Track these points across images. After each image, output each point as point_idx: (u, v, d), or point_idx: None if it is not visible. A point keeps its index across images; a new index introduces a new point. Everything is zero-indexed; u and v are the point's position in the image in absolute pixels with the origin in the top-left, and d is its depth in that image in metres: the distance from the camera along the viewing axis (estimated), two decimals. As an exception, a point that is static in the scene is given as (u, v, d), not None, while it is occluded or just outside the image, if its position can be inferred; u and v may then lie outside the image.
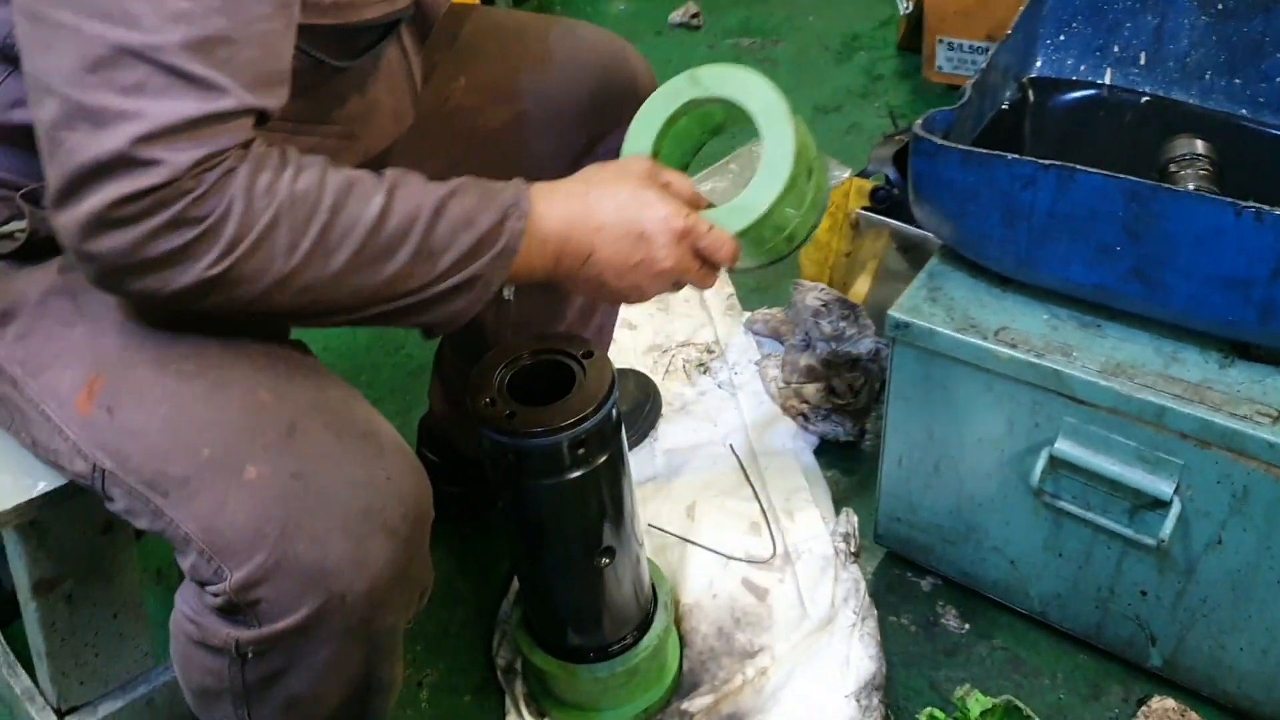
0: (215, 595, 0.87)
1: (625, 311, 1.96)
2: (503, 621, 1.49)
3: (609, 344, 1.60)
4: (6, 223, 0.95)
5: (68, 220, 0.78)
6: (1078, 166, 1.14)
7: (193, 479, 0.87)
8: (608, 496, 1.19)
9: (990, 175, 1.19)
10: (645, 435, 1.73)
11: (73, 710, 1.22)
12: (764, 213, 1.08)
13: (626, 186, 1.03)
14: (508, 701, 1.41)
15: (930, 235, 1.42)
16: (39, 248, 0.96)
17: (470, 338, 1.37)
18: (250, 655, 0.89)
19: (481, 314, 0.97)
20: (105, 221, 0.77)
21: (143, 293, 0.82)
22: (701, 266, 1.06)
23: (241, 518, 0.85)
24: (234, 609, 0.87)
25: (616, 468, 1.19)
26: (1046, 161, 1.16)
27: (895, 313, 1.28)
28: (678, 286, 1.08)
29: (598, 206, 1.00)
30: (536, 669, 1.32)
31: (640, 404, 1.74)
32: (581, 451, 1.13)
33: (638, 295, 1.05)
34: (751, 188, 1.09)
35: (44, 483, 1.04)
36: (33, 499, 1.03)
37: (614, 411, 1.17)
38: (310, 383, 0.95)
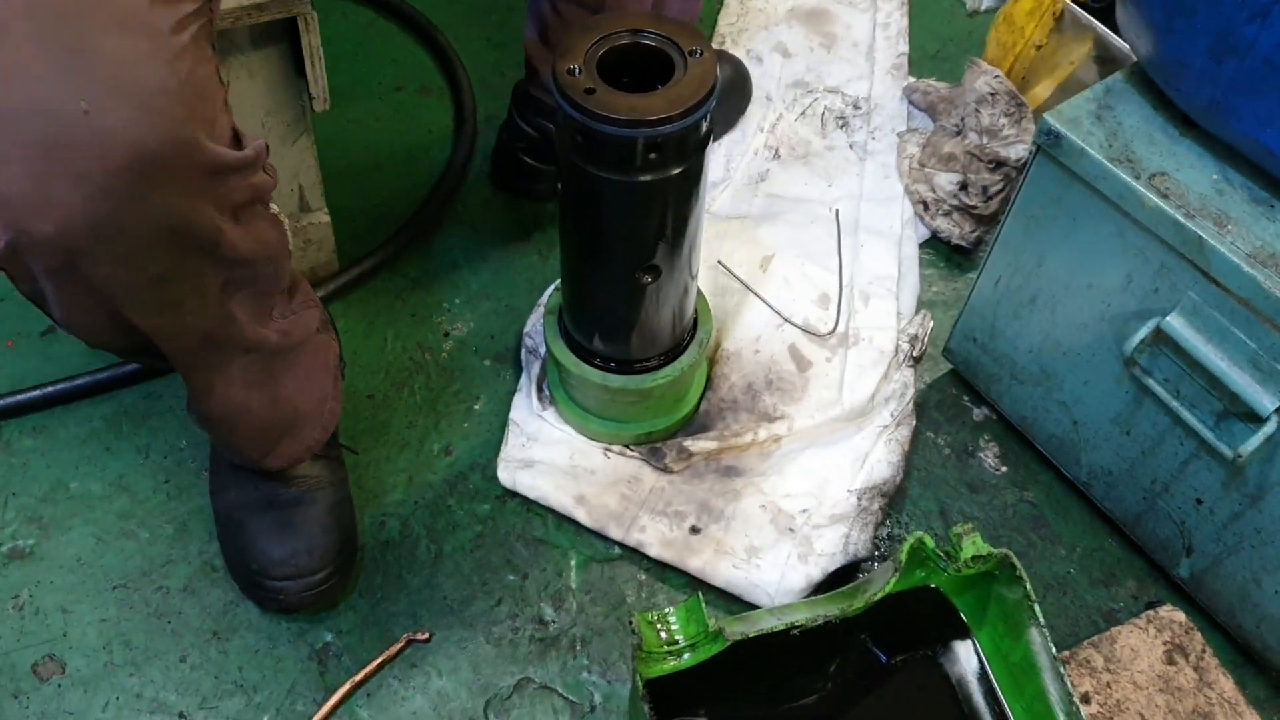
0: None
1: (785, 37, 1.80)
2: (542, 304, 1.44)
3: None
4: None
5: None
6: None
7: None
8: (671, 213, 1.10)
9: (1218, -8, 1.00)
10: (725, 130, 1.64)
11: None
12: None
13: None
14: (523, 379, 1.39)
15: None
16: None
17: None
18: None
19: None
20: None
21: None
22: None
23: None
24: None
25: (689, 185, 1.09)
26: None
27: (1051, 119, 1.12)
28: None
29: None
30: (555, 359, 1.28)
31: (725, 92, 1.62)
32: (654, 156, 1.03)
33: None
34: None
35: None
36: None
37: (704, 123, 1.06)
38: None
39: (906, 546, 1.11)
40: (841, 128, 1.68)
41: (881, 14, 1.85)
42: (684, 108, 1.00)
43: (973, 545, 1.12)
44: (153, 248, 0.82)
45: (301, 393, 1.14)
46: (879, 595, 1.09)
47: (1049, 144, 1.13)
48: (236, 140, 0.90)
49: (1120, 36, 1.35)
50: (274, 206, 1.00)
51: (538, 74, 1.47)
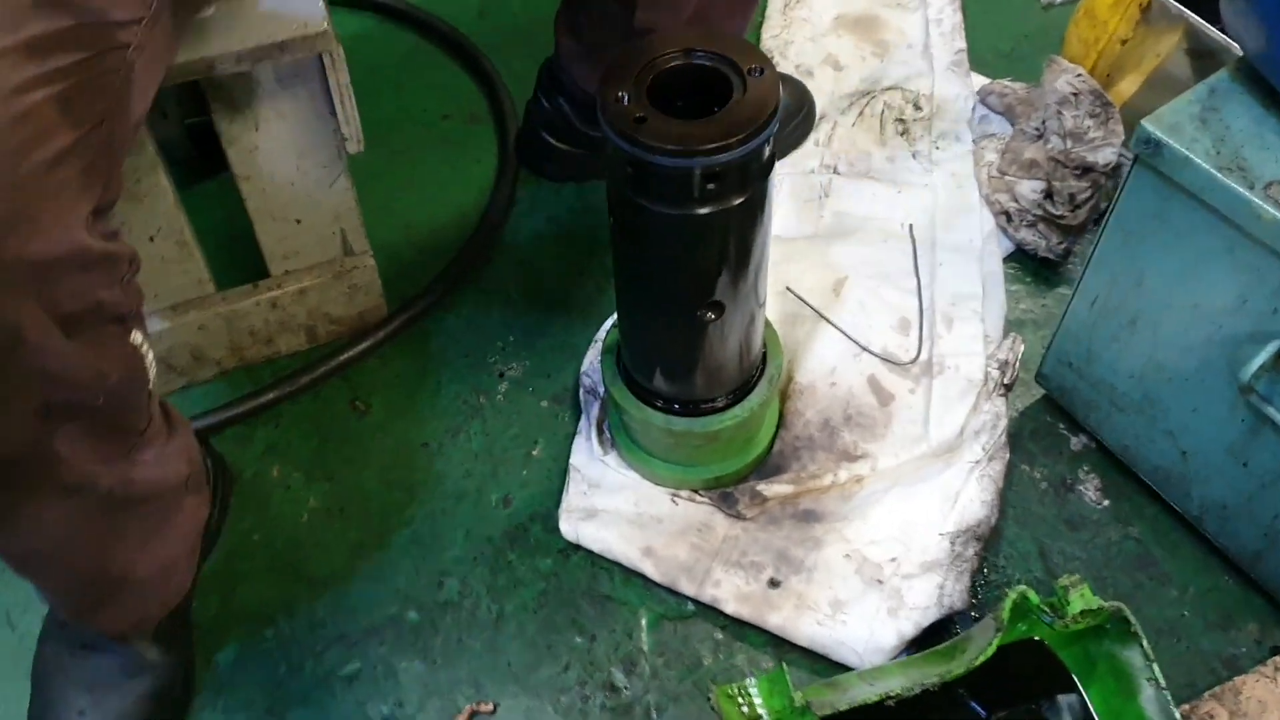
0: None
1: (834, 48, 1.70)
2: (599, 340, 1.37)
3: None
4: None
5: None
6: None
7: None
8: (733, 245, 1.01)
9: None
10: (787, 152, 1.55)
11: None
12: None
13: None
14: (582, 421, 1.31)
15: (1233, 44, 1.12)
16: None
17: None
18: None
19: None
20: None
21: None
22: None
23: None
24: None
25: (753, 214, 1.00)
26: None
27: (1149, 125, 1.02)
28: None
29: None
30: (615, 402, 1.20)
31: (790, 114, 1.54)
32: (714, 186, 0.95)
33: None
34: None
35: None
36: None
37: (767, 148, 0.97)
38: None
39: (1009, 602, 1.02)
40: (902, 134, 1.57)
41: (933, 10, 1.74)
42: (744, 133, 0.92)
43: (1081, 598, 1.03)
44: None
45: (141, 555, 0.98)
46: (981, 659, 0.99)
47: (1148, 153, 1.03)
48: (103, 237, 0.78)
49: (1222, 29, 1.24)
50: (137, 336, 0.85)
51: (559, 49, 1.44)
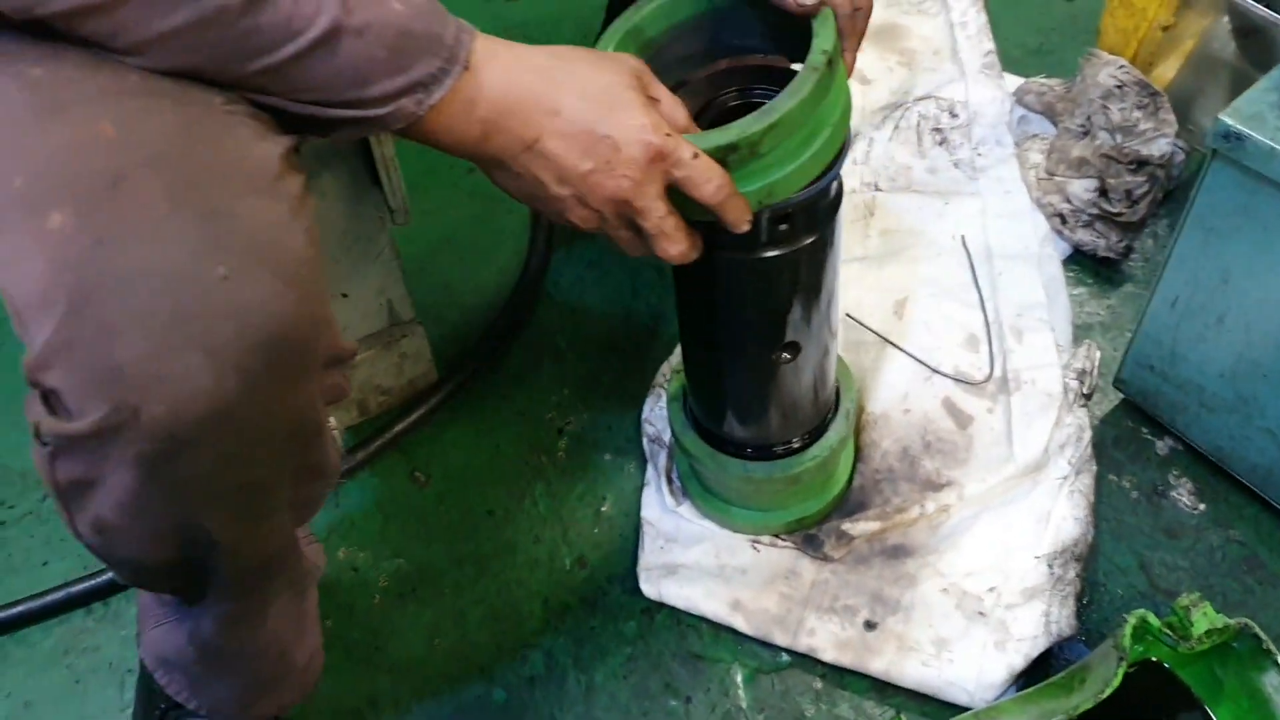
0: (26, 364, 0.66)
1: (859, 62, 1.64)
2: (658, 385, 1.32)
3: None
4: None
5: None
6: None
7: (2, 210, 0.65)
8: (805, 285, 0.97)
9: None
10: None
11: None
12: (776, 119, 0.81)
13: (605, 76, 0.79)
14: (649, 471, 1.27)
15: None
16: None
17: None
18: (51, 448, 0.68)
19: None
20: None
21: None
22: (667, 214, 0.81)
23: (34, 274, 0.63)
24: (36, 387, 0.67)
25: (823, 252, 0.96)
26: None
27: (1228, 119, 0.98)
28: (625, 236, 0.84)
29: (562, 86, 0.78)
30: (687, 450, 1.16)
31: None
32: (784, 228, 0.91)
33: (568, 212, 0.82)
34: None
35: None
36: None
37: (835, 184, 0.93)
38: (183, 122, 0.68)
39: (1129, 628, 0.97)
40: (940, 144, 1.53)
41: (955, 14, 1.70)
42: (815, 171, 0.88)
43: (1204, 618, 0.98)
44: (266, 446, 0.70)
45: (301, 641, 0.96)
46: (1108, 691, 0.95)
47: (1228, 147, 0.98)
48: None
49: (1269, 3, 1.20)
50: (333, 421, 0.88)
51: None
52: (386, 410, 1.33)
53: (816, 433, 1.13)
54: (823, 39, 0.84)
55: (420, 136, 0.76)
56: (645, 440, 1.29)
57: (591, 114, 0.77)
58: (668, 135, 0.79)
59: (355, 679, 1.15)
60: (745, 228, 0.84)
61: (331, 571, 1.23)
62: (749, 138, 0.81)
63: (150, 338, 0.62)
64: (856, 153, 1.53)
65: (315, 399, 0.73)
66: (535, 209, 0.86)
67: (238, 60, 0.68)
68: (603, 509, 1.26)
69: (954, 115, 1.56)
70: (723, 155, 0.81)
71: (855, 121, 1.56)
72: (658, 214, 0.81)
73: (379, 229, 1.15)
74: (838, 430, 1.14)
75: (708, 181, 0.80)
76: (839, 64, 0.87)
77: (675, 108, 0.84)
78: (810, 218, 0.92)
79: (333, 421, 0.87)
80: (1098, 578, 1.16)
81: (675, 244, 0.83)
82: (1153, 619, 0.98)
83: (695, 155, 0.80)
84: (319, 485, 0.82)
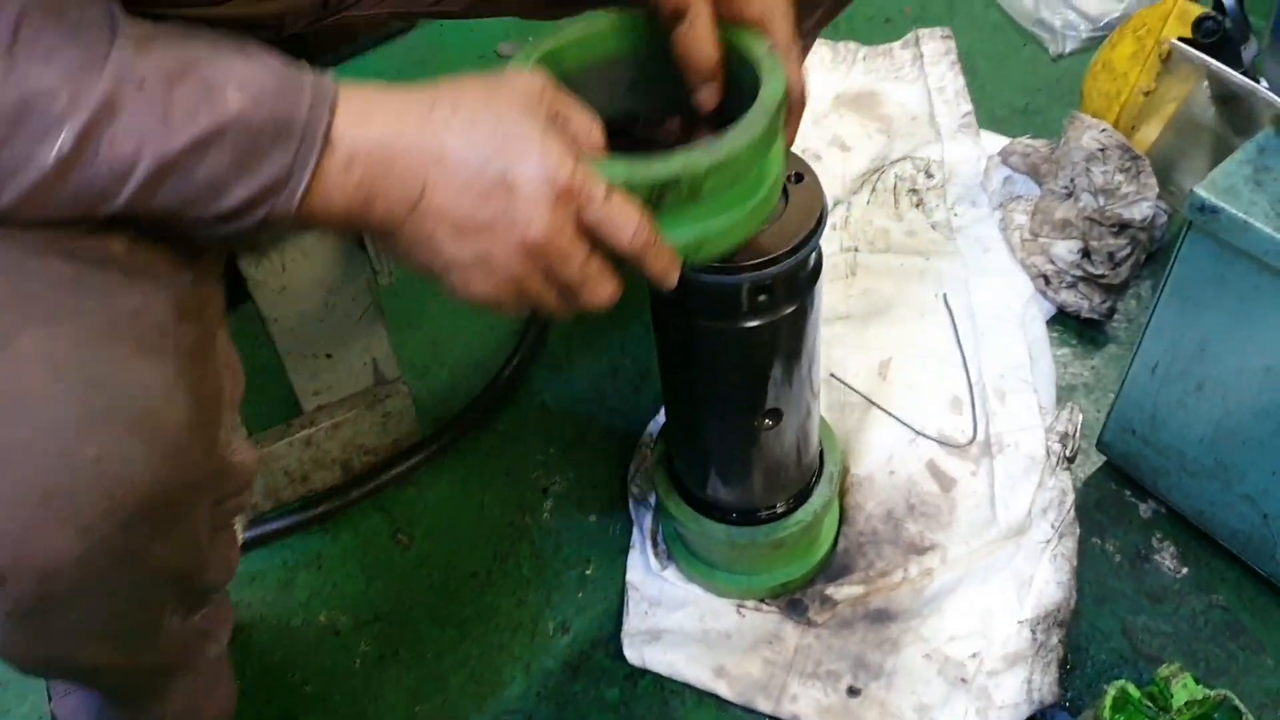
0: None
1: (839, 129, 1.67)
2: (645, 445, 1.33)
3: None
4: None
5: None
6: None
7: None
8: (785, 353, 0.98)
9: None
10: None
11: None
12: (717, 159, 0.72)
13: (495, 109, 0.68)
14: (635, 533, 1.26)
15: (1266, 94, 1.09)
16: None
17: None
18: None
19: None
20: None
21: None
22: (588, 258, 0.71)
23: None
24: None
25: (803, 321, 0.97)
26: None
27: (1203, 191, 0.99)
28: (549, 298, 0.72)
29: (443, 128, 0.66)
30: (671, 514, 1.16)
31: None
32: (764, 299, 0.92)
33: (476, 281, 0.70)
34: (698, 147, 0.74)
35: None
36: None
37: (814, 255, 0.94)
38: (74, 277, 0.64)
39: (1109, 699, 0.97)
40: (917, 206, 1.54)
41: (933, 79, 1.72)
42: (792, 244, 0.89)
43: (1184, 689, 0.98)
44: (139, 593, 0.71)
45: (209, 693, 1.01)
46: (1088, 765, 0.95)
47: (1204, 219, 0.99)
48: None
49: (1244, 73, 1.22)
50: (237, 522, 0.90)
51: None
52: (370, 470, 1.33)
53: (801, 496, 1.14)
54: (773, 86, 0.78)
55: (307, 226, 0.69)
56: (631, 501, 1.29)
57: (480, 153, 0.66)
58: (574, 170, 0.68)
59: (336, 744, 1.15)
60: (672, 284, 0.74)
61: (313, 635, 1.22)
62: (693, 172, 0.72)
63: (19, 516, 0.62)
64: (835, 218, 1.54)
65: (199, 538, 0.73)
66: (444, 286, 0.72)
67: (89, 209, 0.63)
68: (587, 572, 1.26)
69: (929, 175, 1.57)
70: (659, 192, 0.72)
71: (836, 189, 1.58)
72: (579, 259, 0.70)
73: (364, 290, 1.15)
74: (821, 495, 1.14)
75: (624, 226, 0.70)
76: (782, 123, 0.82)
77: (588, 127, 0.73)
78: (791, 288, 0.93)
79: (237, 523, 0.89)
80: (1080, 642, 1.16)
81: (603, 288, 0.72)
82: (1133, 689, 0.99)
83: (608, 195, 0.69)
84: (209, 594, 0.85)
